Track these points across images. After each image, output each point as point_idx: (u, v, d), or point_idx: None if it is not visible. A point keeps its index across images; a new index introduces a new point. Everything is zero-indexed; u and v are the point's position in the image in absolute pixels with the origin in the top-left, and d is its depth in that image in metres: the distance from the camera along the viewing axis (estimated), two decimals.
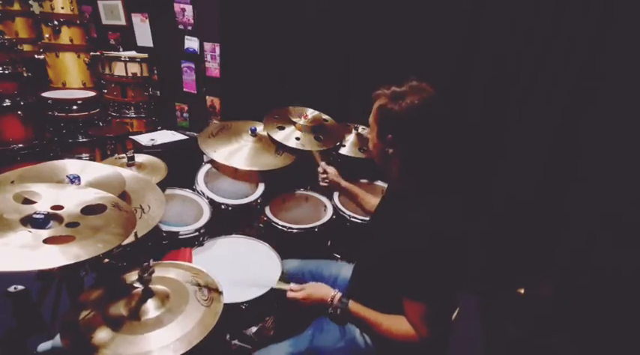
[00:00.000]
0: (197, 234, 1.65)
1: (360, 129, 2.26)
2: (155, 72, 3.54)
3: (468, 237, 1.27)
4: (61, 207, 1.00)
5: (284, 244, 1.73)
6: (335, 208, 1.96)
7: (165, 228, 1.61)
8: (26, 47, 3.52)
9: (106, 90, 3.46)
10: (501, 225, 2.35)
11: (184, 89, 3.35)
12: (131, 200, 1.37)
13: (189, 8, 3.04)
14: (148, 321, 0.99)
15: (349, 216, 1.90)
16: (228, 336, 1.42)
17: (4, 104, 2.92)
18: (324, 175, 1.73)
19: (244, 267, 1.54)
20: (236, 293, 1.31)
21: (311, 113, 2.22)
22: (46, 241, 0.87)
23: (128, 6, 3.43)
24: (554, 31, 1.99)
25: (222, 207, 1.82)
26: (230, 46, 2.98)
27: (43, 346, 1.11)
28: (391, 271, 1.12)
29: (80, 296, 1.09)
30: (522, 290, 2.26)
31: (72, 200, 1.05)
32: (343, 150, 2.17)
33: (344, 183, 1.72)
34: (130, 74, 3.32)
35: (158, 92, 3.60)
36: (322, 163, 1.77)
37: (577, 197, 2.12)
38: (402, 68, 2.16)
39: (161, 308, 1.03)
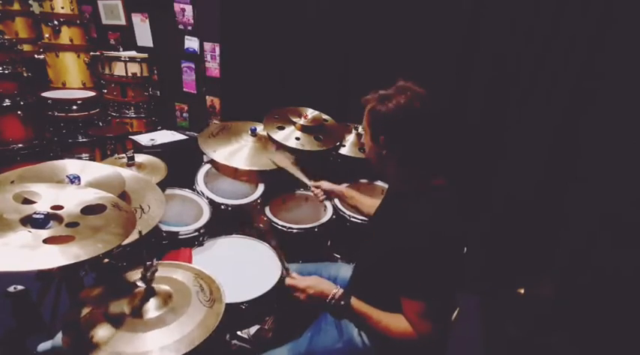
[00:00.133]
0: (197, 234, 1.65)
1: (360, 129, 2.26)
2: (155, 72, 3.54)
3: (467, 237, 1.27)
4: (60, 207, 1.00)
5: (284, 244, 1.72)
6: (335, 208, 1.96)
7: (165, 228, 1.61)
8: (26, 47, 3.52)
9: (105, 90, 3.46)
10: (501, 225, 2.35)
11: (184, 89, 3.36)
12: (131, 200, 1.37)
13: (189, 8, 3.04)
14: (149, 320, 0.99)
15: (349, 216, 1.91)
16: (228, 336, 1.42)
17: (4, 104, 2.92)
18: (318, 191, 1.73)
19: (244, 267, 1.54)
20: (236, 293, 1.31)
21: (311, 113, 2.22)
22: (45, 241, 0.87)
23: (128, 6, 3.44)
24: (554, 31, 1.99)
25: (222, 207, 1.83)
26: (230, 46, 2.98)
27: (43, 346, 1.11)
28: (391, 271, 1.12)
29: (81, 293, 1.09)
30: (522, 290, 2.26)
31: (72, 200, 1.04)
32: (343, 150, 2.16)
33: (338, 189, 1.72)
34: (129, 74, 3.32)
35: (158, 92, 3.60)
36: (310, 182, 1.76)
37: (577, 197, 2.12)
38: (402, 68, 2.15)
39: (163, 307, 1.02)
